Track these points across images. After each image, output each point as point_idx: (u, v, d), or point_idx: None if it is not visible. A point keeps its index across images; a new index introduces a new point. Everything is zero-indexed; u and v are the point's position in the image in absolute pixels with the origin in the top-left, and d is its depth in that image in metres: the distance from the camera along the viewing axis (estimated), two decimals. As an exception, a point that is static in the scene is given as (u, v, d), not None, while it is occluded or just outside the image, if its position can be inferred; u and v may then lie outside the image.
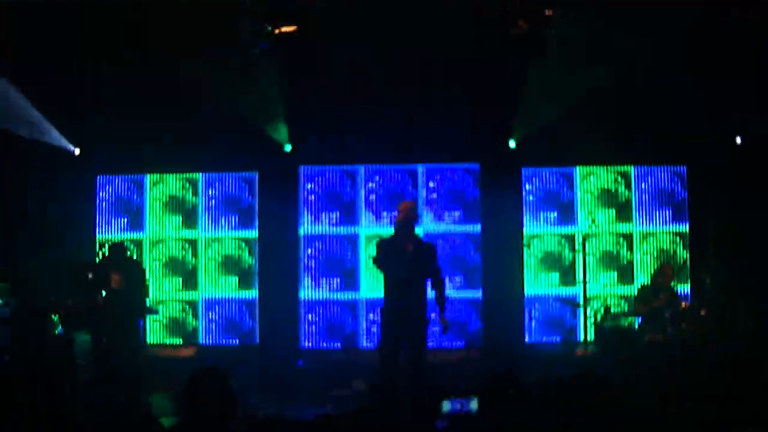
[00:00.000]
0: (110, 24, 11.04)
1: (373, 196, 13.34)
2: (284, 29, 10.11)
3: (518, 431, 5.56)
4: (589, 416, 5.20)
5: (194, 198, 13.59)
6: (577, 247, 12.94)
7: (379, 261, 9.66)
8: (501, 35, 10.56)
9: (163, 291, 13.42)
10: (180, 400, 5.23)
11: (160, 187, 13.62)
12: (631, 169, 13.34)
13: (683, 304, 11.68)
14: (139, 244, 13.51)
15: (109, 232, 13.52)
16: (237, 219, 13.54)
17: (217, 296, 13.47)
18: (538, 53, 10.80)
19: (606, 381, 5.42)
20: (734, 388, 9.37)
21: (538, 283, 13.21)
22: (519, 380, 5.97)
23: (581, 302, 12.21)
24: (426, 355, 9.53)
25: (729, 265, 12.44)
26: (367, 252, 13.07)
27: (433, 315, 9.65)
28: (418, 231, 10.22)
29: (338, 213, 13.39)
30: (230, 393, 5.24)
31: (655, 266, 12.45)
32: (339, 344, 13.13)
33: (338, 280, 13.28)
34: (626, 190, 13.31)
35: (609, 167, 13.35)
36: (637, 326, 11.77)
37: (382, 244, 9.73)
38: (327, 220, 13.42)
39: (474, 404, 7.58)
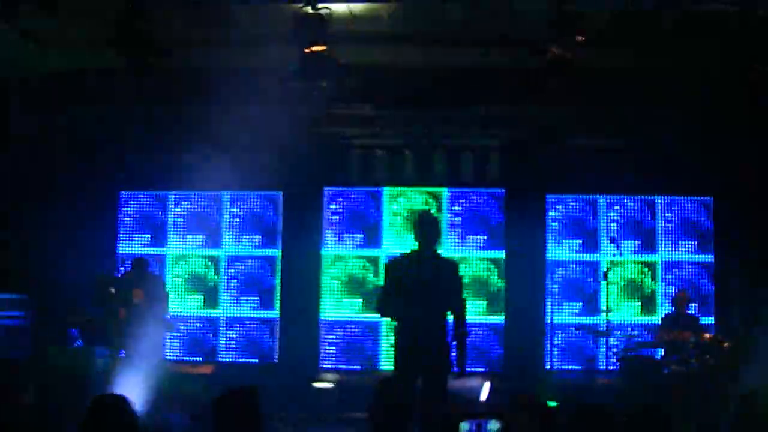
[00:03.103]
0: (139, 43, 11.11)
1: (396, 218, 13.31)
2: (314, 49, 10.09)
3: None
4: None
5: (218, 216, 13.58)
6: (600, 276, 12.86)
7: (389, 288, 8.50)
8: (534, 60, 10.52)
9: (184, 307, 13.39)
10: (207, 418, 5.18)
11: (183, 204, 13.61)
12: (657, 199, 13.24)
13: (707, 335, 11.59)
14: (161, 260, 13.50)
15: (131, 248, 13.51)
16: (260, 238, 13.52)
17: (237, 314, 13.43)
18: (569, 79, 10.75)
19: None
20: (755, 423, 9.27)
21: (561, 310, 13.11)
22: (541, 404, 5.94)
23: (604, 330, 12.13)
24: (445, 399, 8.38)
25: (753, 298, 12.33)
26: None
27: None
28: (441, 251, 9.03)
29: (362, 235, 13.36)
30: (258, 413, 5.20)
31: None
32: (359, 365, 13.08)
33: (360, 301, 13.21)
34: (652, 220, 13.23)
35: (635, 196, 13.26)
36: (659, 357, 11.68)
37: (396, 265, 8.70)
38: (350, 242, 13.38)
39: (493, 425, 7.52)
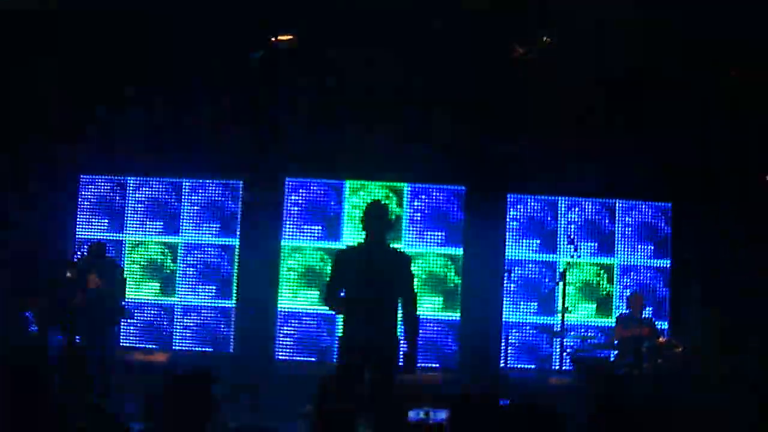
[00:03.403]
0: (106, 25, 11.06)
1: (357, 211, 13.30)
2: (282, 38, 10.08)
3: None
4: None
5: (176, 203, 13.51)
6: (557, 276, 12.92)
7: (335, 280, 8.17)
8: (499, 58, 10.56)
9: (140, 294, 13.32)
10: (157, 402, 5.15)
11: (143, 190, 13.53)
12: (617, 203, 13.31)
13: (661, 339, 11.69)
14: (119, 245, 13.42)
15: (89, 233, 13.42)
16: (219, 227, 13.47)
17: (193, 303, 13.38)
18: (532, 78, 10.81)
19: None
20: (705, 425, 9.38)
21: (517, 309, 13.17)
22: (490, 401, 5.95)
23: (559, 330, 12.20)
24: (393, 396, 8.05)
25: (709, 303, 12.44)
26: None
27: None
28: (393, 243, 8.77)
29: (321, 227, 13.34)
30: (210, 397, 5.19)
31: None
32: (314, 357, 13.07)
33: (317, 293, 13.18)
34: (610, 223, 13.30)
35: (594, 199, 13.33)
36: (612, 358, 11.77)
37: (344, 257, 8.40)
38: (309, 233, 13.36)
39: (442, 415, 7.51)
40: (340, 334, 8.24)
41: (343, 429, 5.52)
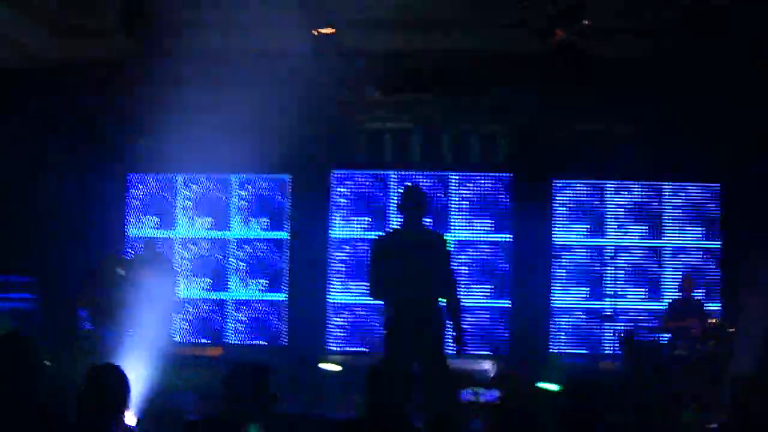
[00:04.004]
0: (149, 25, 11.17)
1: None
2: (323, 30, 10.13)
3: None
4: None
5: (226, 199, 13.62)
6: (607, 261, 12.88)
7: (375, 268, 8.20)
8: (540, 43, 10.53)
9: (192, 290, 13.45)
10: (217, 397, 5.24)
11: (191, 187, 13.65)
12: (665, 185, 13.23)
13: (712, 321, 11.63)
14: (169, 242, 13.55)
15: (140, 230, 13.57)
16: (268, 221, 13.56)
17: (245, 297, 13.49)
18: (575, 63, 10.77)
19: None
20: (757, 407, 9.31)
21: (567, 294, 13.15)
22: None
23: (609, 315, 12.19)
24: (446, 378, 8.13)
25: (760, 284, 12.35)
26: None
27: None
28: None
29: (369, 218, 13.39)
30: (268, 390, 5.25)
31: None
32: (365, 348, 13.13)
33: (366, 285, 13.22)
34: (659, 206, 13.22)
35: (642, 182, 13.25)
36: (665, 342, 11.72)
37: (381, 244, 8.38)
38: (358, 225, 13.42)
39: (491, 394, 7.56)
40: (385, 320, 8.26)
41: (393, 415, 5.54)
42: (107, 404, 5.06)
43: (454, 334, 8.10)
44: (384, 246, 8.32)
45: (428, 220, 8.85)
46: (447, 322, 8.14)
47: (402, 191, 8.42)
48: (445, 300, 8.15)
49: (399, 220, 8.30)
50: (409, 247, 8.10)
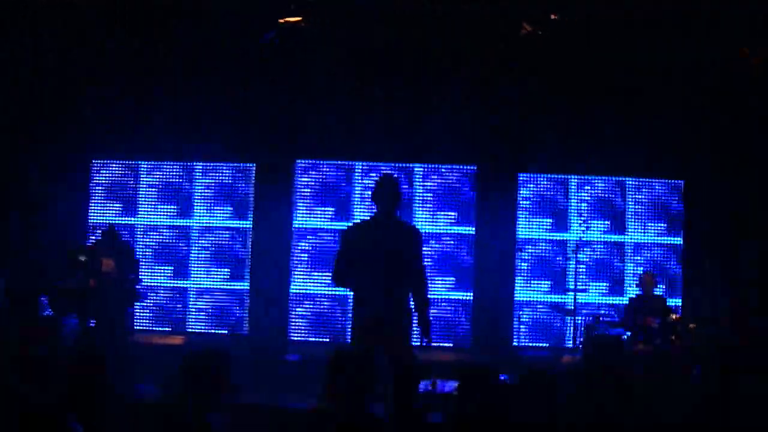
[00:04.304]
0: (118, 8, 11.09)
1: (368, 193, 13.29)
2: (290, 19, 10.07)
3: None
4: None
5: (189, 186, 13.55)
6: (569, 255, 12.94)
7: (343, 255, 8.11)
8: (506, 38, 10.53)
9: (153, 278, 13.38)
10: (175, 377, 5.19)
11: (155, 174, 13.58)
12: (628, 180, 13.29)
13: (673, 316, 11.70)
14: (132, 229, 13.48)
15: (102, 217, 13.47)
16: (231, 209, 13.51)
17: (207, 285, 13.44)
18: (541, 56, 10.78)
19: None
20: (717, 402, 9.41)
21: (530, 288, 13.20)
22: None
23: (571, 309, 12.24)
24: (411, 370, 7.97)
25: (720, 280, 12.45)
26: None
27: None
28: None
29: (333, 208, 13.36)
30: (227, 376, 5.22)
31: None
32: (327, 338, 13.11)
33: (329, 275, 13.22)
34: (622, 201, 13.29)
35: (606, 177, 13.31)
36: (625, 336, 11.78)
37: (352, 232, 8.29)
38: (321, 215, 13.39)
39: (450, 385, 7.54)
40: (352, 311, 8.23)
41: (354, 402, 5.53)
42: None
43: (421, 326, 8.04)
44: (356, 234, 8.25)
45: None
46: (414, 314, 8.07)
47: (377, 181, 8.28)
48: (413, 293, 8.09)
49: (371, 210, 8.21)
50: (382, 238, 8.04)
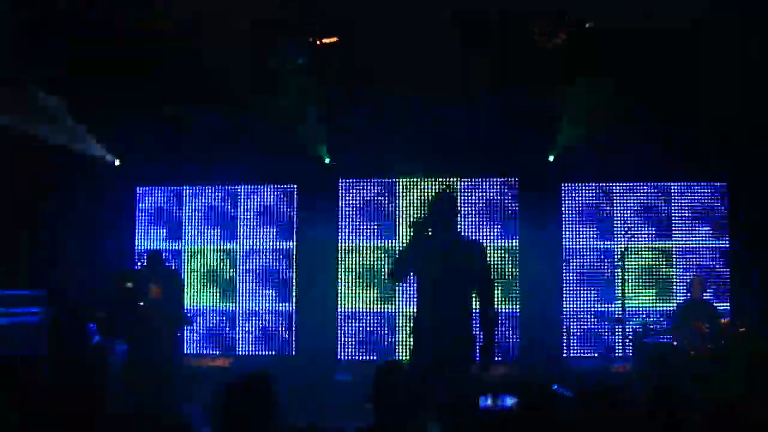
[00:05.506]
0: (152, 37, 11.15)
1: (410, 208, 13.32)
2: (325, 41, 10.09)
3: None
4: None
5: (233, 210, 13.63)
6: (616, 263, 12.85)
7: (410, 250, 7.92)
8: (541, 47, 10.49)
9: (201, 301, 13.45)
10: (217, 409, 5.18)
11: (199, 198, 13.67)
12: (672, 185, 13.20)
13: (723, 321, 11.59)
14: (177, 254, 13.57)
15: (147, 243, 13.58)
16: (276, 231, 13.56)
17: (254, 308, 13.48)
18: (578, 66, 10.72)
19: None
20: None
21: (577, 297, 13.12)
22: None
23: (620, 318, 12.17)
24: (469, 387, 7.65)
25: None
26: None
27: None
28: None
29: (377, 225, 13.37)
30: (271, 399, 5.20)
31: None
32: (375, 356, 13.09)
33: (375, 293, 13.25)
34: (666, 207, 13.19)
35: (649, 183, 13.22)
36: (675, 342, 11.67)
37: (424, 238, 7.97)
38: (366, 233, 13.40)
39: (509, 400, 7.45)
40: (413, 331, 8.08)
41: (407, 422, 5.48)
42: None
43: (484, 347, 7.86)
44: (425, 241, 7.98)
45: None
46: (478, 335, 7.91)
47: (434, 198, 8.18)
48: (479, 313, 7.93)
49: (434, 227, 8.03)
50: (445, 253, 7.87)
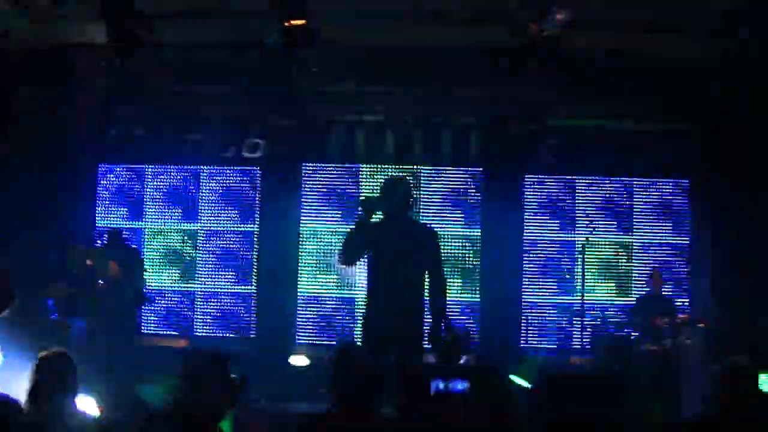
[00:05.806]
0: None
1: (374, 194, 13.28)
2: (294, 22, 10.03)
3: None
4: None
5: (195, 190, 13.56)
6: (576, 256, 12.91)
7: (358, 233, 7.81)
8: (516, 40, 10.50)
9: (160, 281, 13.39)
10: (179, 383, 5.13)
11: (161, 178, 13.59)
12: (634, 180, 13.26)
13: (682, 317, 11.69)
14: (138, 233, 13.48)
15: (109, 221, 13.48)
16: (238, 213, 13.51)
17: (214, 289, 13.43)
18: (550, 59, 10.73)
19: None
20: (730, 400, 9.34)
21: (536, 289, 13.16)
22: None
23: (579, 310, 12.23)
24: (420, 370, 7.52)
25: (728, 279, 12.40)
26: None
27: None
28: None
29: (340, 211, 13.34)
30: (231, 379, 5.16)
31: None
32: (335, 340, 13.08)
33: (335, 277, 13.25)
34: (628, 201, 13.25)
35: (612, 177, 13.28)
36: (634, 337, 11.75)
37: (373, 224, 7.91)
38: (328, 217, 13.38)
39: (461, 384, 7.45)
40: (363, 315, 8.10)
41: (362, 403, 5.46)
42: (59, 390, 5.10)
43: (432, 333, 7.90)
44: (374, 226, 7.95)
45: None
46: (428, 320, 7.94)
47: (385, 183, 8.20)
48: (430, 298, 7.96)
49: (387, 209, 7.99)
50: (396, 239, 7.84)
